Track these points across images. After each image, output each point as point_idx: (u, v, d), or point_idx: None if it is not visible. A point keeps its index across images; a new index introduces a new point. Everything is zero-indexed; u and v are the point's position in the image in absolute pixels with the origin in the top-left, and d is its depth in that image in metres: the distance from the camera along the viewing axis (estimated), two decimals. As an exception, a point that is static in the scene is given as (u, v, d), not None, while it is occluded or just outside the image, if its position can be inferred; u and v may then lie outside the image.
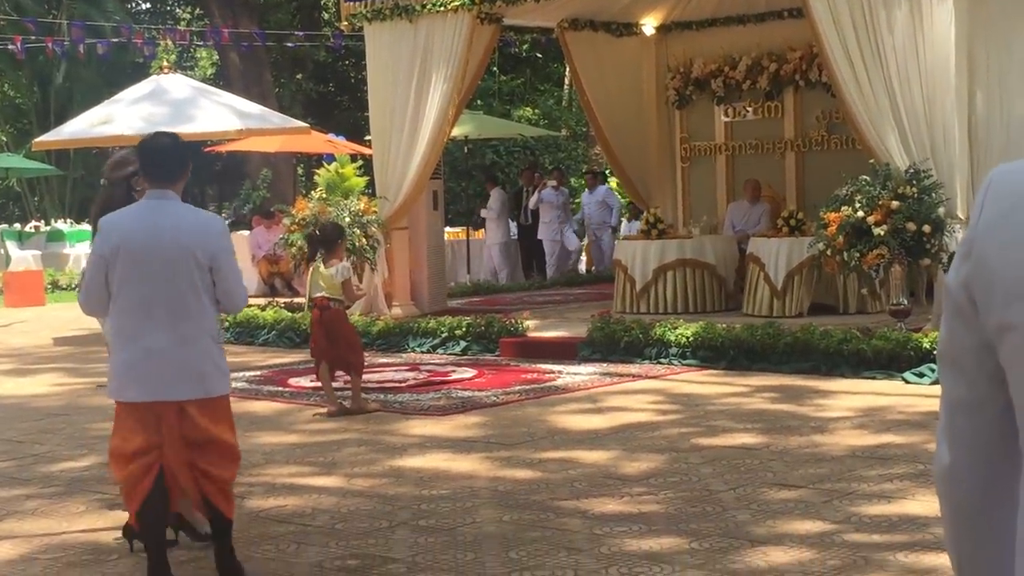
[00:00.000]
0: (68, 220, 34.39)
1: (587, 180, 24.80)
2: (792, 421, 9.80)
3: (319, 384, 11.23)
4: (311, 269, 11.23)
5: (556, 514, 7.23)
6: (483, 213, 23.85)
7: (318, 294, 10.93)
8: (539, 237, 23.24)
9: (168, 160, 6.13)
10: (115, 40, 29.85)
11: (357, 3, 16.80)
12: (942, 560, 5.89)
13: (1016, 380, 1.59)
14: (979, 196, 1.66)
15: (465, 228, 24.92)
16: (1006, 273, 1.58)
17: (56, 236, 31.74)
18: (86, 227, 27.21)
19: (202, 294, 6.04)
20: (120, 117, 16.65)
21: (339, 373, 11.08)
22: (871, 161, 12.84)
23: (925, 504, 7.02)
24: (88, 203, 7.57)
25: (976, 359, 1.65)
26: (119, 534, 6.92)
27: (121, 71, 34.48)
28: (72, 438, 10.24)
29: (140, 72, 32.02)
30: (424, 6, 16.07)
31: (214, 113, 16.89)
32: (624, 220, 23.93)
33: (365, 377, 11.36)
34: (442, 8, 15.93)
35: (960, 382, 1.69)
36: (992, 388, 1.64)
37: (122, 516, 7.52)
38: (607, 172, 25.85)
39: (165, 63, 18.74)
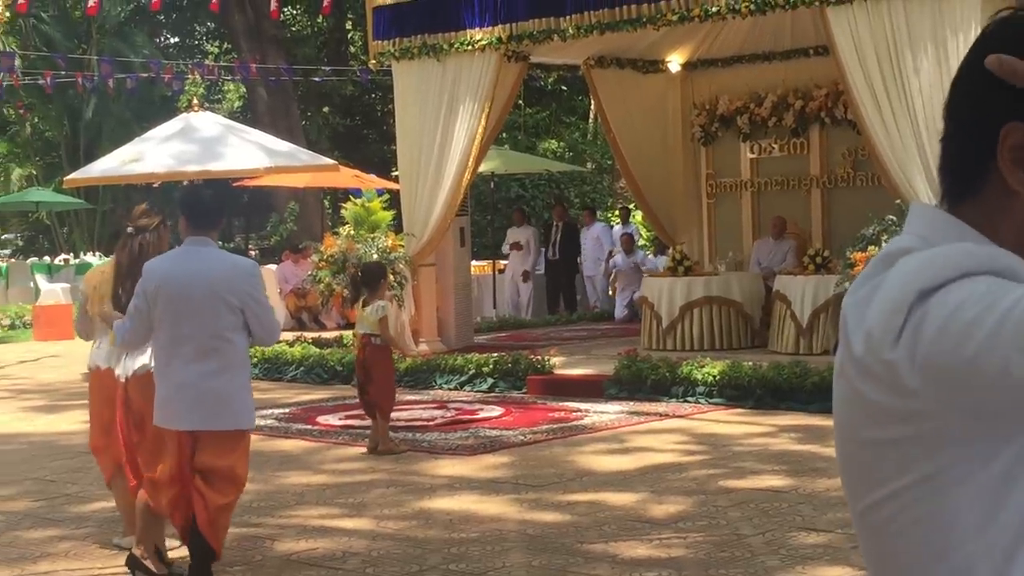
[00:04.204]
0: (97, 253, 34.50)
1: (584, 217, 24.08)
2: (819, 463, 9.81)
3: (349, 422, 11.29)
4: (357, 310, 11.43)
5: (585, 559, 7.28)
6: (504, 249, 23.74)
7: (362, 331, 11.07)
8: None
9: (209, 210, 6.79)
10: (144, 75, 30.14)
11: (385, 41, 16.95)
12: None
13: None
14: None
15: (491, 261, 24.92)
16: None
17: (85, 269, 31.82)
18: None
19: (231, 334, 6.55)
20: (150, 155, 16.77)
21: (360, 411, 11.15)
22: (897, 201, 12.87)
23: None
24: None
25: None
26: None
27: (150, 105, 34.74)
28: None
29: (168, 106, 32.27)
30: (452, 45, 16.20)
31: (243, 151, 16.99)
32: (649, 255, 23.77)
33: (393, 414, 11.41)
34: (470, 47, 16.06)
35: None
36: None
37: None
38: (631, 207, 25.69)
39: (195, 100, 18.89)
